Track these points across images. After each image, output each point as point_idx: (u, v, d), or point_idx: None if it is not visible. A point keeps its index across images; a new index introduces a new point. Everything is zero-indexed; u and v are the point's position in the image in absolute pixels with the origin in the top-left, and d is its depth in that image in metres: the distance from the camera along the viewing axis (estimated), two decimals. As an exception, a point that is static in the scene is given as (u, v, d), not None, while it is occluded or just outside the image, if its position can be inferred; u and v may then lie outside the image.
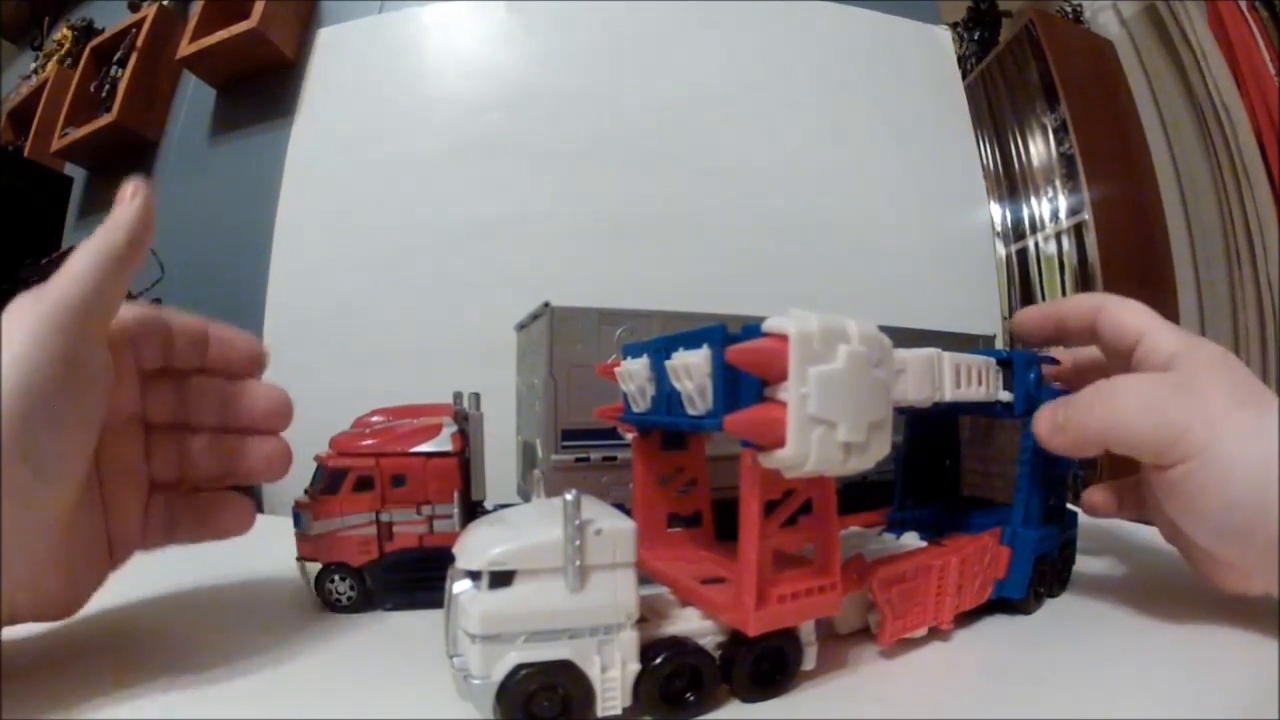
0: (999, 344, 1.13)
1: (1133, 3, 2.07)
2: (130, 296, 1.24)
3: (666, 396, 0.42)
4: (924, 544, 0.55)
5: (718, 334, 0.37)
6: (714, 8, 1.53)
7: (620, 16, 1.52)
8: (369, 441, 0.64)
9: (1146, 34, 2.00)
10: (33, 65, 2.38)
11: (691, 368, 0.38)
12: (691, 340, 0.39)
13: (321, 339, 1.46)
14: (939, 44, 1.63)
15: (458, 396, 0.73)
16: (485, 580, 0.35)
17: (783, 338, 0.34)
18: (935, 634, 0.48)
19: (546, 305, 0.69)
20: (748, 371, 0.35)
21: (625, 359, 0.49)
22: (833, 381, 0.35)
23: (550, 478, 0.67)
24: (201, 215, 1.68)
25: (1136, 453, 0.47)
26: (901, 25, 1.60)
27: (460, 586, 0.37)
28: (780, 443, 0.34)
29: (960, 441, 0.67)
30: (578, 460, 0.67)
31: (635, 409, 0.48)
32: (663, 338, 0.43)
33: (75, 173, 1.89)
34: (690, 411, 0.40)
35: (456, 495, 0.63)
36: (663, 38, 1.52)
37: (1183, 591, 0.54)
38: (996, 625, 0.52)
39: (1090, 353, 0.60)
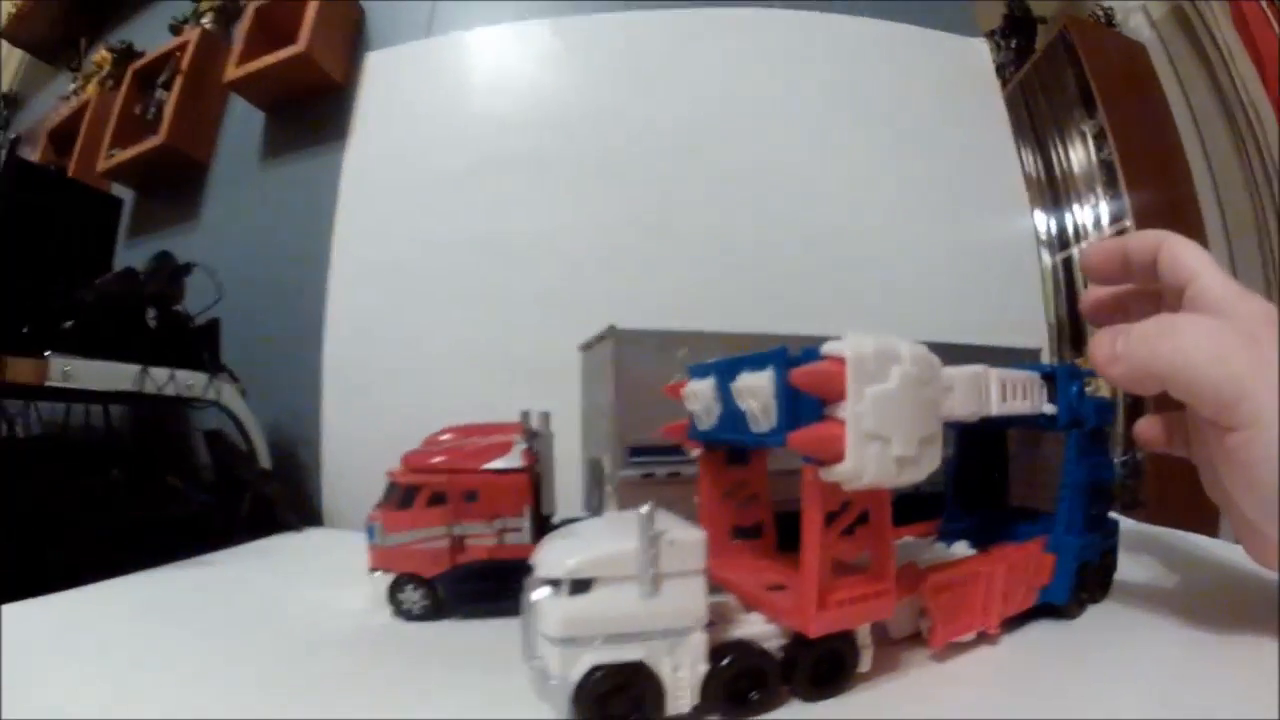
0: (1044, 357, 1.14)
1: (1160, 3, 2.06)
2: (189, 317, 1.28)
3: (731, 415, 0.45)
4: (973, 552, 0.57)
5: (780, 357, 0.39)
6: (757, 26, 1.54)
7: (661, 35, 1.55)
8: (440, 458, 0.67)
9: (1175, 36, 1.99)
10: (71, 86, 2.40)
11: (756, 389, 0.41)
12: (755, 363, 0.42)
13: (381, 359, 1.49)
14: (977, 56, 1.63)
15: (525, 415, 0.76)
16: (565, 587, 0.38)
17: (840, 360, 0.37)
18: (983, 638, 0.50)
19: (611, 328, 0.71)
20: (809, 392, 0.37)
21: (690, 379, 0.51)
22: (887, 400, 0.37)
23: (619, 493, 0.70)
24: (257, 236, 1.71)
25: (1197, 401, 0.46)
26: (940, 39, 1.60)
27: (540, 594, 0.39)
28: (839, 458, 0.36)
29: (1008, 454, 0.69)
30: (644, 476, 0.70)
31: (701, 427, 0.50)
32: (727, 360, 0.45)
33: (122, 192, 1.90)
34: (754, 429, 0.42)
35: (527, 509, 0.66)
36: (704, 56, 1.53)
37: (1224, 601, 0.55)
38: (1041, 630, 0.54)
39: (1127, 286, 0.58)
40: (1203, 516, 0.54)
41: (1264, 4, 1.75)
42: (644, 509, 0.37)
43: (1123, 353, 0.48)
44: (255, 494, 1.32)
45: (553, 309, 1.37)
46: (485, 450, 0.67)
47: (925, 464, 0.40)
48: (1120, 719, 0.40)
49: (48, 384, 1.06)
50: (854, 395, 0.36)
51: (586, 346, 0.87)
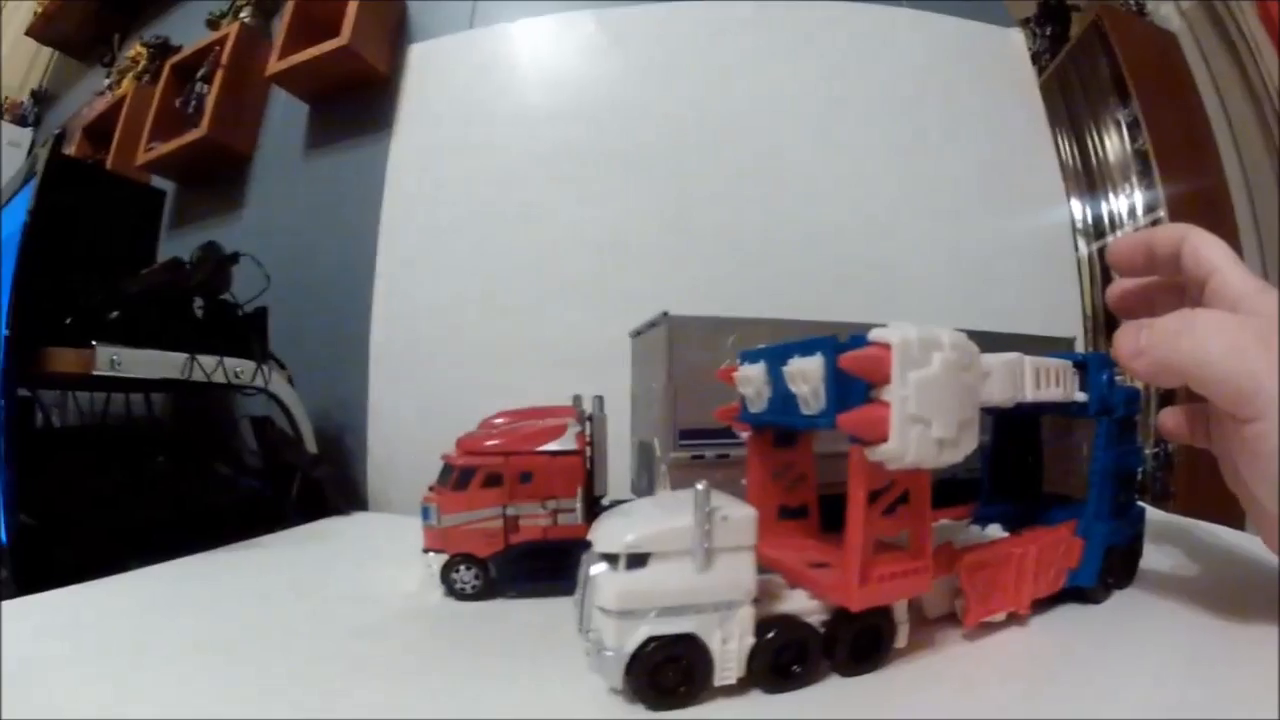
0: (1079, 346, 1.15)
1: (1188, -1, 2.04)
2: (238, 306, 1.31)
3: (782, 398, 0.47)
4: (1006, 535, 0.58)
5: (830, 343, 0.41)
6: (797, 18, 1.55)
7: (706, 27, 1.56)
8: (495, 441, 0.69)
9: (1204, 26, 1.97)
10: (106, 81, 2.43)
11: (807, 373, 0.43)
12: (805, 348, 0.44)
13: (427, 346, 1.52)
14: (1012, 46, 1.64)
15: (577, 399, 0.78)
16: (623, 562, 0.40)
17: (886, 346, 0.39)
18: (1014, 619, 0.52)
19: (665, 315, 0.73)
20: (857, 376, 0.39)
21: (742, 364, 0.53)
22: (929, 384, 0.39)
23: (670, 474, 0.72)
24: (302, 226, 1.73)
25: (1214, 394, 0.47)
26: (976, 29, 1.60)
27: (596, 568, 0.41)
28: (884, 438, 0.38)
29: (1041, 440, 0.70)
30: (694, 458, 0.72)
31: (752, 410, 0.52)
32: (778, 346, 0.47)
33: (162, 185, 1.90)
34: (804, 411, 0.44)
35: (580, 491, 0.68)
36: (745, 48, 1.54)
37: (1244, 592, 0.56)
38: (1069, 612, 0.55)
39: (1151, 278, 0.59)
40: (1231, 508, 0.55)
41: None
42: (699, 486, 0.39)
43: (1145, 346, 0.49)
44: (305, 478, 1.35)
45: (596, 297, 1.40)
46: (540, 433, 0.69)
47: (964, 446, 0.42)
48: (1141, 702, 0.42)
49: (95, 373, 1.08)
50: (898, 379, 0.38)
51: (637, 333, 0.89)
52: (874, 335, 0.40)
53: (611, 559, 0.41)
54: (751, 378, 0.51)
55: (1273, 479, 0.45)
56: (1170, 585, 0.61)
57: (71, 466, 1.19)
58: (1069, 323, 1.43)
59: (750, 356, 0.52)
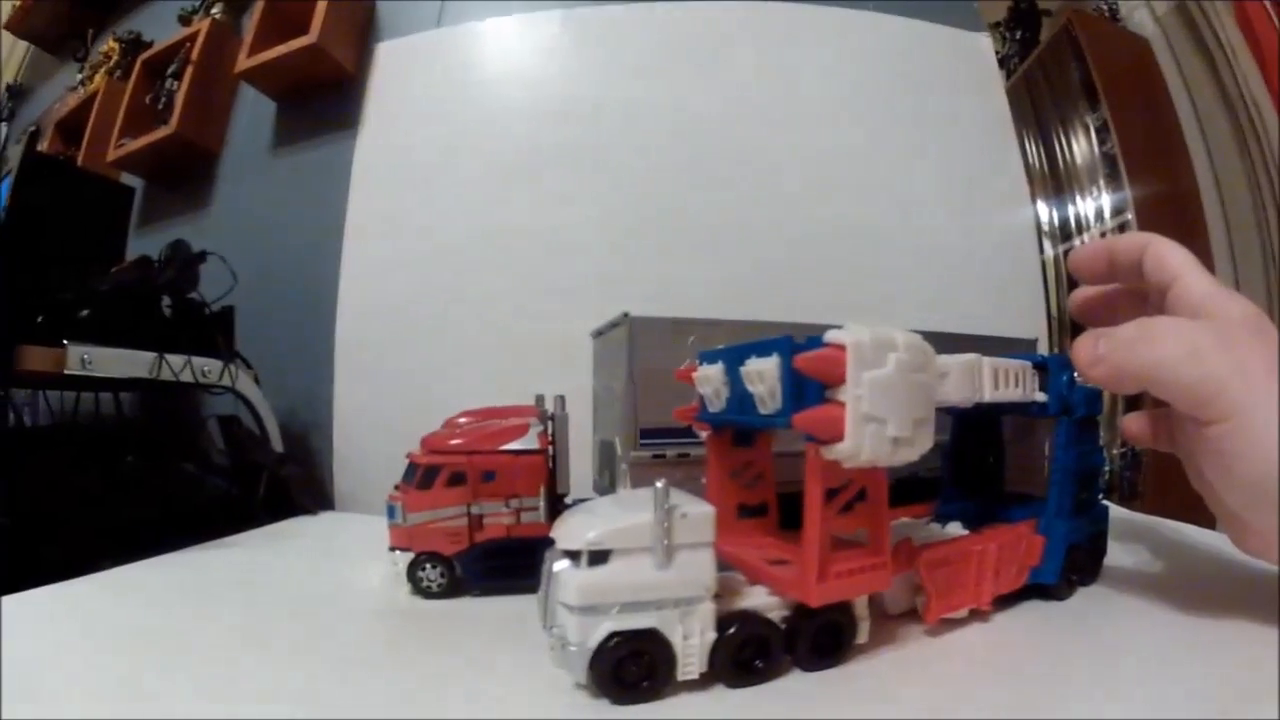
0: (1041, 347, 1.16)
1: (1164, 1, 2.06)
2: (204, 304, 1.30)
3: (739, 398, 0.47)
4: (966, 533, 0.59)
5: (786, 344, 0.42)
6: (761, 19, 1.56)
7: (669, 28, 1.56)
8: (459, 440, 0.69)
9: (1179, 32, 1.99)
10: (78, 77, 2.41)
11: (764, 373, 0.43)
12: (763, 349, 0.44)
13: (391, 346, 1.51)
14: (980, 51, 1.65)
15: (540, 399, 0.78)
16: (584, 558, 0.40)
17: (841, 347, 0.39)
18: (976, 615, 0.53)
19: (626, 315, 0.73)
20: (812, 376, 0.40)
21: (701, 364, 0.53)
22: (883, 384, 0.40)
23: (631, 473, 0.72)
24: (268, 224, 1.72)
25: (1174, 399, 0.48)
26: (944, 33, 1.61)
27: (559, 565, 0.42)
28: (839, 437, 0.39)
29: (1003, 440, 0.71)
30: (655, 457, 0.72)
31: (710, 409, 0.53)
32: (736, 347, 0.48)
33: (132, 182, 1.90)
34: (761, 411, 0.45)
35: (543, 489, 0.68)
36: (710, 49, 1.55)
37: (1207, 587, 0.57)
38: (1032, 609, 0.56)
39: (1115, 286, 0.60)
40: (1198, 508, 0.56)
41: (1267, 3, 1.76)
42: (659, 484, 0.40)
43: (1104, 354, 0.50)
44: (272, 478, 1.34)
45: (558, 297, 1.40)
46: (503, 432, 0.70)
47: (919, 444, 0.42)
48: (1103, 696, 0.42)
49: (67, 372, 1.08)
50: (853, 380, 0.39)
51: (599, 333, 0.89)
52: (829, 336, 0.40)
53: (574, 556, 0.41)
54: (710, 378, 0.51)
55: (1235, 477, 0.46)
56: (1135, 582, 0.61)
57: (42, 466, 1.18)
58: (1032, 324, 1.44)
59: (709, 357, 0.52)
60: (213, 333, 1.38)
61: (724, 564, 0.46)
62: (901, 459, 0.41)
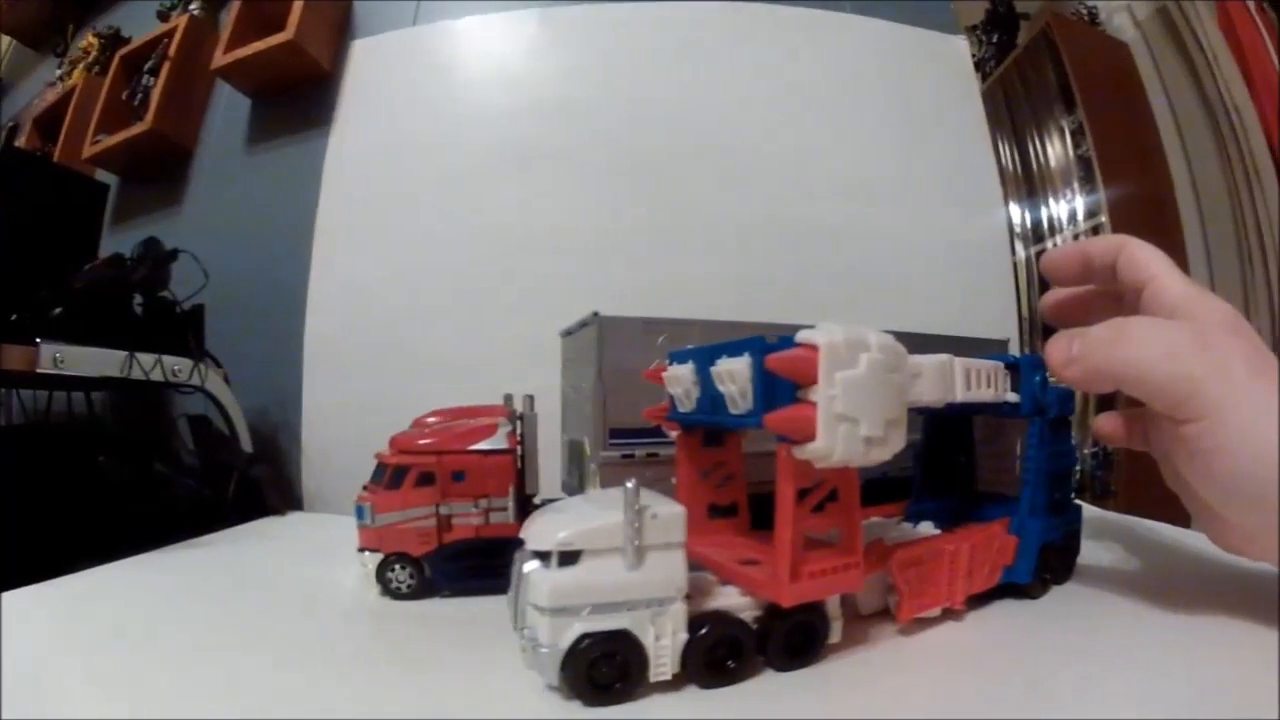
0: (1013, 348, 1.17)
1: (1146, 3, 2.07)
2: (175, 303, 1.29)
3: (710, 398, 0.47)
4: (938, 532, 0.59)
5: (758, 344, 0.42)
6: (739, 21, 1.56)
7: (647, 28, 1.56)
8: (429, 440, 0.69)
9: (1160, 36, 2.01)
10: (57, 72, 2.39)
11: (735, 373, 0.43)
12: (734, 349, 0.44)
13: (362, 345, 1.51)
14: (956, 53, 1.66)
15: (508, 399, 0.78)
16: (554, 559, 0.40)
17: (814, 347, 0.39)
18: (949, 615, 0.53)
19: (595, 314, 0.73)
20: (784, 376, 0.40)
21: (671, 364, 0.53)
22: (856, 385, 0.40)
23: (600, 473, 0.72)
24: (241, 222, 1.72)
25: (1150, 399, 0.48)
26: (920, 35, 1.62)
27: (529, 566, 0.42)
28: (811, 437, 0.39)
29: (974, 440, 0.71)
30: (624, 457, 0.72)
31: (681, 409, 0.52)
32: (707, 347, 0.48)
33: (107, 179, 1.89)
34: (733, 411, 0.45)
35: (512, 489, 0.68)
36: (687, 49, 1.55)
37: (1184, 584, 0.58)
38: (1005, 608, 0.56)
39: (1088, 287, 0.61)
40: (1172, 506, 0.56)
41: (1249, 5, 1.77)
42: (628, 484, 0.40)
43: (1077, 355, 0.50)
44: (242, 478, 1.34)
45: (527, 296, 1.40)
46: (472, 432, 0.69)
47: (891, 444, 0.42)
48: (1074, 693, 0.42)
49: (39, 370, 1.07)
50: (825, 380, 0.39)
51: (568, 332, 0.89)
52: (801, 337, 0.40)
53: (544, 556, 0.41)
54: (680, 378, 0.51)
55: (1212, 474, 0.46)
56: (1109, 580, 0.62)
57: (14, 466, 1.17)
58: (1004, 325, 1.45)
59: (679, 357, 0.52)
60: (183, 331, 1.37)
61: (695, 564, 0.46)
62: (874, 459, 0.42)
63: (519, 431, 0.73)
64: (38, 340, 1.07)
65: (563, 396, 0.94)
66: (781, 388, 0.40)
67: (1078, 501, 0.65)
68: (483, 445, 0.69)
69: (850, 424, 0.40)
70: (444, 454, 0.68)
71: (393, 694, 0.47)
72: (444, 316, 1.46)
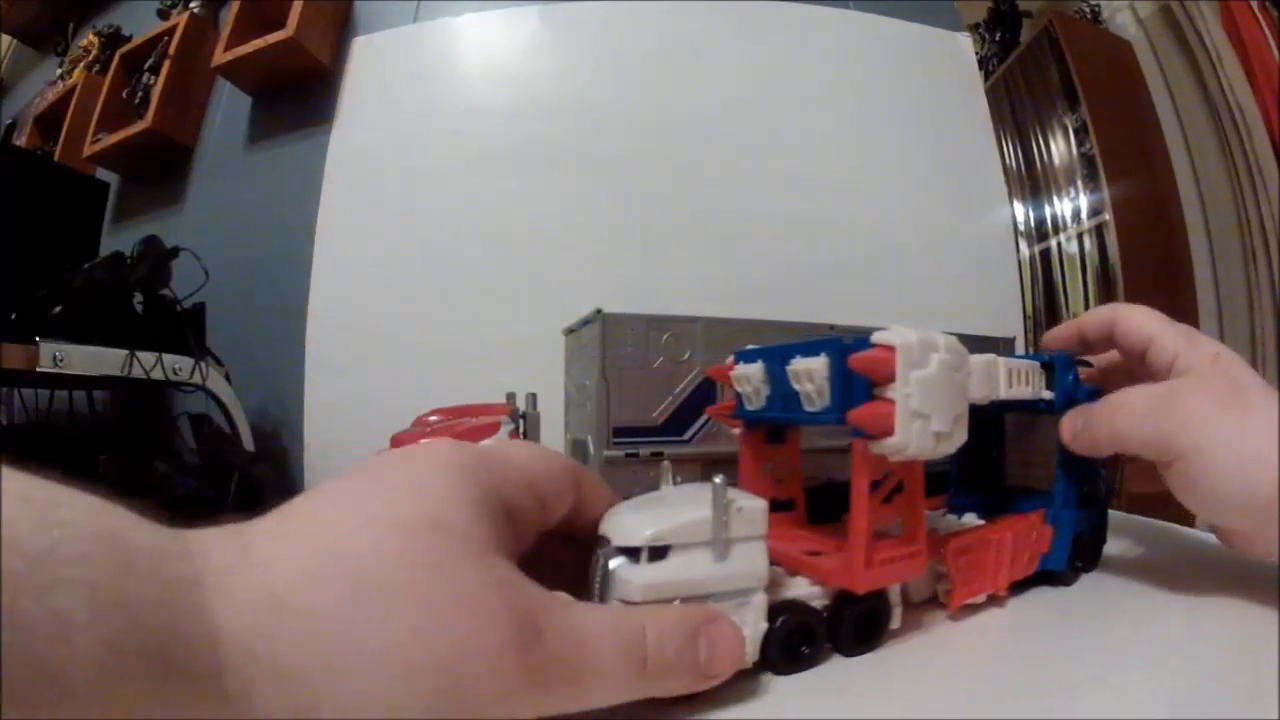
0: (1019, 346, 1.18)
1: (1149, 2, 2.09)
2: (177, 301, 1.29)
3: (782, 396, 0.49)
4: (982, 522, 0.61)
5: (835, 344, 0.43)
6: (741, 18, 1.57)
7: (649, 26, 1.57)
8: (429, 439, 0.69)
9: (1163, 34, 2.02)
10: (58, 71, 2.41)
11: (813, 372, 0.45)
12: (808, 349, 0.45)
13: (363, 342, 1.52)
14: (960, 50, 1.67)
15: (511, 396, 0.78)
16: (645, 555, 0.41)
17: (891, 348, 0.41)
18: (993, 600, 0.54)
19: (599, 312, 0.74)
20: (863, 375, 0.42)
21: (738, 363, 0.54)
22: (928, 383, 0.42)
23: (603, 472, 0.73)
24: (242, 220, 1.72)
25: (1140, 453, 0.53)
26: (924, 33, 1.63)
27: (615, 562, 0.43)
28: (889, 432, 0.40)
29: (1005, 436, 0.73)
30: (628, 456, 0.73)
31: (749, 407, 0.54)
32: (777, 346, 0.49)
33: (108, 177, 1.91)
34: (808, 409, 0.46)
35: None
36: (688, 46, 1.56)
37: (1206, 571, 0.60)
38: (1043, 594, 0.57)
39: (1111, 356, 0.64)
40: (1170, 506, 0.59)
41: (1253, 4, 1.79)
42: (717, 479, 0.41)
43: (1081, 430, 0.56)
44: (243, 477, 1.34)
45: (531, 293, 1.41)
46: (473, 431, 0.69)
47: (956, 438, 0.44)
48: (1118, 671, 0.44)
49: (39, 369, 1.07)
50: (902, 378, 0.41)
51: (571, 330, 0.89)
52: (878, 338, 0.42)
53: (632, 553, 0.42)
54: (749, 376, 0.52)
55: (1203, 502, 0.50)
56: (1132, 566, 0.64)
57: (15, 465, 1.17)
58: (1009, 323, 1.47)
59: (746, 356, 0.54)
60: (184, 330, 1.37)
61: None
62: (943, 452, 0.43)
63: (522, 430, 0.73)
64: (38, 339, 1.07)
65: (566, 395, 0.94)
66: (859, 386, 0.42)
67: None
68: (484, 444, 0.69)
69: (923, 420, 0.41)
70: None
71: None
72: (446, 314, 1.47)
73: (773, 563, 0.49)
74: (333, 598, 0.26)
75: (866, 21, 1.62)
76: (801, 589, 0.46)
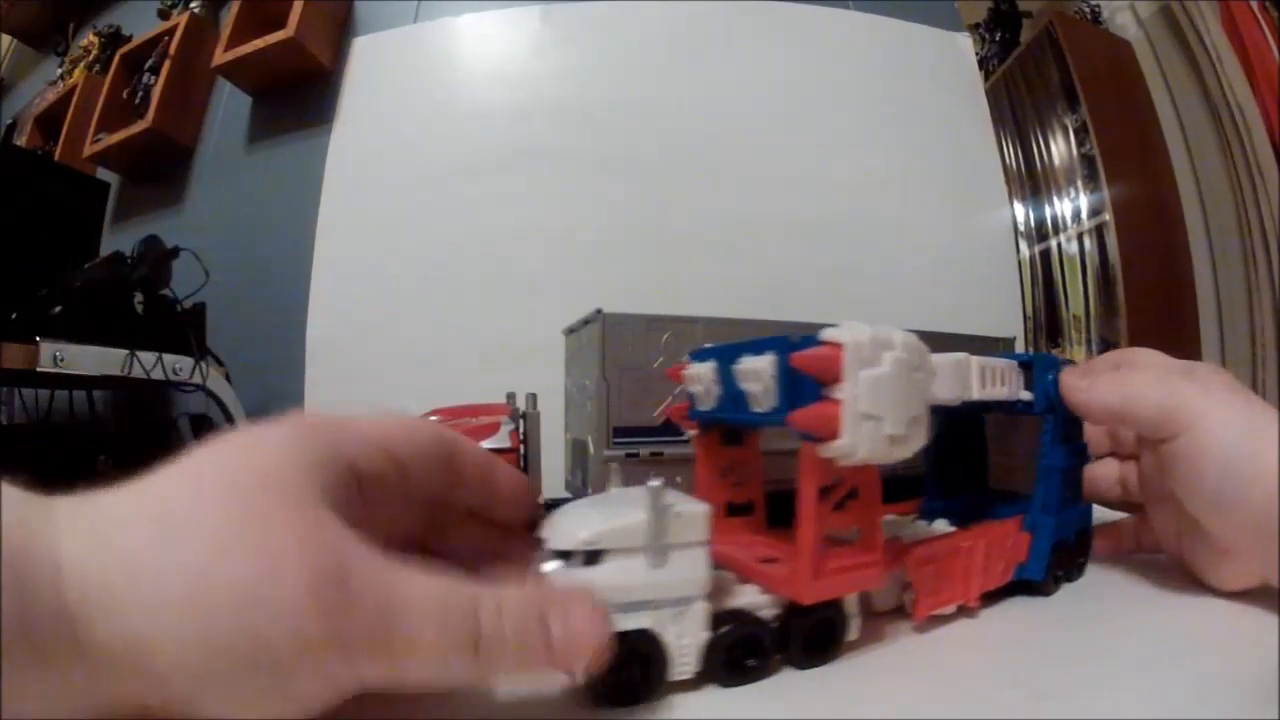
0: (1018, 346, 1.16)
1: (1149, 2, 2.08)
2: (177, 301, 1.29)
3: (732, 396, 0.47)
4: (953, 529, 0.59)
5: (782, 343, 0.42)
6: (741, 19, 1.56)
7: (651, 27, 1.57)
8: None
9: (1163, 35, 2.02)
10: (58, 71, 2.42)
11: (759, 371, 0.43)
12: (756, 348, 0.44)
13: (363, 343, 1.51)
14: (960, 51, 1.66)
15: (511, 396, 0.77)
16: (578, 558, 0.40)
17: (838, 345, 0.39)
18: (963, 611, 0.53)
19: (599, 312, 0.73)
20: (808, 374, 0.40)
21: (691, 363, 0.53)
22: (880, 383, 0.40)
23: (604, 471, 0.71)
24: (242, 221, 1.72)
25: (1143, 423, 0.52)
26: (925, 33, 1.63)
27: (550, 565, 0.41)
28: (836, 435, 0.39)
29: (985, 438, 0.71)
30: (628, 456, 0.72)
31: (700, 408, 0.52)
32: (728, 345, 0.48)
33: (108, 177, 1.91)
34: (755, 409, 0.44)
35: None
36: (690, 47, 1.55)
37: (1193, 583, 0.58)
38: (1018, 605, 0.56)
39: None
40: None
41: (1253, 5, 1.78)
42: (653, 483, 0.39)
43: (1089, 385, 0.54)
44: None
45: (530, 293, 1.40)
46: (474, 431, 0.68)
47: (913, 441, 0.42)
48: (1090, 686, 0.42)
49: (39, 369, 1.07)
50: (850, 378, 0.39)
51: (571, 330, 0.89)
52: (825, 335, 0.40)
53: (566, 556, 0.41)
54: (700, 376, 0.51)
55: (1196, 481, 0.49)
56: (1117, 575, 0.62)
57: (14, 465, 1.17)
58: (1009, 323, 1.45)
59: (699, 355, 0.52)
60: (184, 330, 1.37)
61: (714, 563, 0.46)
62: (897, 457, 0.41)
63: (522, 430, 0.72)
64: (38, 339, 1.07)
65: (566, 395, 0.94)
66: (805, 386, 0.40)
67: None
68: (485, 444, 0.68)
69: (874, 422, 0.39)
70: None
71: (401, 699, 0.46)
72: (446, 314, 1.47)
73: (724, 569, 0.47)
74: (146, 537, 0.27)
75: (866, 21, 1.61)
76: (751, 597, 0.45)
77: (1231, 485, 0.47)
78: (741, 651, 0.43)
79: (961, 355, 0.50)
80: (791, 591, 0.43)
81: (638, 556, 0.40)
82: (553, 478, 0.87)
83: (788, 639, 0.44)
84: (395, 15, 1.72)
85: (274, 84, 1.75)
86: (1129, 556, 0.68)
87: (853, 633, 0.46)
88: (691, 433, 0.57)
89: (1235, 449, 0.47)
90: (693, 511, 0.41)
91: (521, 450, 0.71)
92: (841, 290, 1.41)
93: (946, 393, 0.49)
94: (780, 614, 0.44)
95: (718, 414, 0.51)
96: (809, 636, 0.45)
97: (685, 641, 0.41)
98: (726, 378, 0.48)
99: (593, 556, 0.40)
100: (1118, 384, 0.53)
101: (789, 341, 0.42)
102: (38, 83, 2.53)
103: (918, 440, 0.43)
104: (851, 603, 0.46)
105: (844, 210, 1.49)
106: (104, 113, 1.94)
